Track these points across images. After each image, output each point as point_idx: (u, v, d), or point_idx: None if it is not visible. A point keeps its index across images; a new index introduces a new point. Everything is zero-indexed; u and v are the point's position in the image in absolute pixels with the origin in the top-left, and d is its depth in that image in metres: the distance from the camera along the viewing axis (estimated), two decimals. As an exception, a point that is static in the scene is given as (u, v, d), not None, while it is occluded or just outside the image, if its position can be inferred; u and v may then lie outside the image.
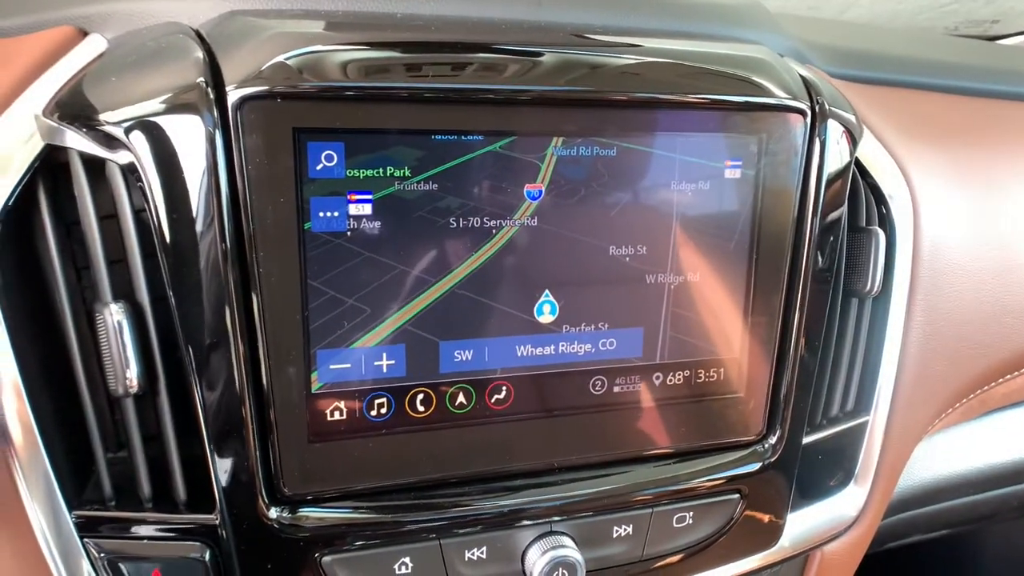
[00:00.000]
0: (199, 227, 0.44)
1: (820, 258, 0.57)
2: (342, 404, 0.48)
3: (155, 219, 0.44)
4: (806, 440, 0.62)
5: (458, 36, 0.49)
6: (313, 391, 0.47)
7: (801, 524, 0.63)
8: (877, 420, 0.66)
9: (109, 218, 0.47)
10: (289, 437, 0.47)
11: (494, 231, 0.49)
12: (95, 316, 0.46)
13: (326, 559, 0.49)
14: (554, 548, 0.52)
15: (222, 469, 0.47)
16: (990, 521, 1.17)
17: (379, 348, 0.48)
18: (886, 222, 0.65)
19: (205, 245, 0.44)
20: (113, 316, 0.46)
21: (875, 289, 0.63)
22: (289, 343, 0.46)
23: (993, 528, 1.30)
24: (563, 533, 0.54)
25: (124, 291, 0.47)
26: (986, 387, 0.77)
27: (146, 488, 0.48)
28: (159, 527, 0.48)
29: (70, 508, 0.47)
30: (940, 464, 0.88)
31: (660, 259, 0.53)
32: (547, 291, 0.51)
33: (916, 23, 1.37)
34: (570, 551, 0.52)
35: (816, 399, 0.64)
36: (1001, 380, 0.78)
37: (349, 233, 0.46)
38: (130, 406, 0.48)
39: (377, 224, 0.46)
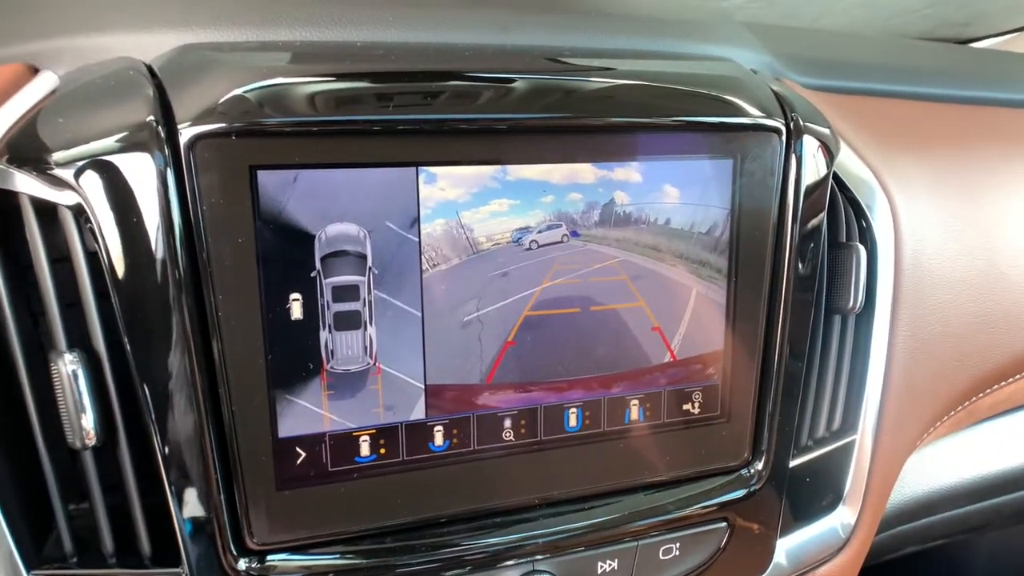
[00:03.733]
0: (152, 271, 0.42)
1: (801, 277, 0.56)
2: (312, 449, 0.46)
3: (107, 263, 0.42)
4: (793, 463, 0.60)
5: (425, 65, 0.47)
6: (279, 437, 0.46)
7: (791, 549, 0.62)
8: (864, 438, 0.64)
9: (63, 261, 0.45)
10: (255, 485, 0.45)
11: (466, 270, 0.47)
12: (50, 365, 0.44)
13: (299, 610, 0.47)
14: None
15: (186, 520, 0.45)
16: (983, 530, 1.17)
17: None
18: (866, 236, 0.64)
19: (160, 289, 0.42)
20: (67, 366, 0.44)
21: (858, 305, 0.62)
22: (252, 388, 0.44)
23: (986, 536, 1.29)
24: (546, 572, 0.52)
25: (80, 337, 0.45)
26: (973, 399, 0.76)
27: (109, 543, 0.46)
28: None
29: (28, 568, 0.45)
30: (931, 477, 0.87)
31: (638, 303, 0.52)
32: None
33: (890, 28, 1.38)
34: (553, 592, 0.51)
35: (802, 420, 0.62)
36: (988, 391, 0.77)
37: (312, 274, 0.44)
38: (89, 458, 0.46)
39: (341, 262, 0.45)
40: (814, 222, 0.56)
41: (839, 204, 0.64)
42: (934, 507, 0.87)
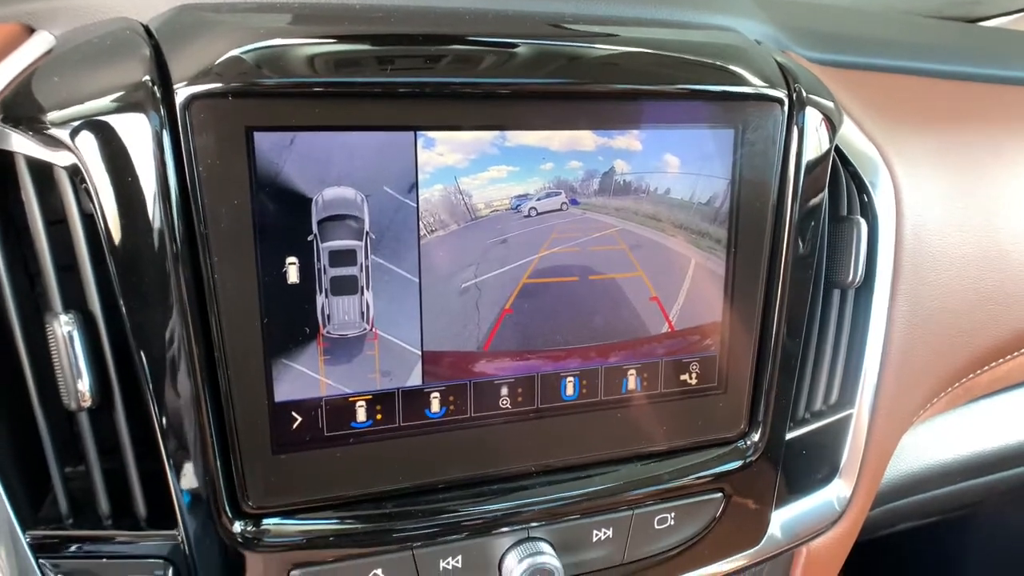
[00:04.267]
0: (148, 233, 0.42)
1: (800, 250, 0.56)
2: (308, 414, 0.46)
3: (102, 225, 0.42)
4: (789, 435, 0.61)
5: (425, 28, 0.47)
6: (276, 401, 0.46)
7: (786, 521, 0.62)
8: (861, 413, 0.64)
9: (60, 223, 0.45)
10: (251, 449, 0.45)
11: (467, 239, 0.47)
12: (45, 327, 0.44)
13: (294, 573, 0.47)
14: (532, 555, 0.51)
15: (182, 483, 0.45)
16: (977, 508, 1.17)
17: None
18: (868, 210, 0.64)
19: (155, 252, 0.42)
20: (63, 327, 0.44)
21: (857, 279, 0.62)
22: (248, 352, 0.44)
23: (980, 513, 1.30)
24: (541, 539, 0.52)
25: (77, 299, 0.45)
26: (971, 375, 0.76)
27: (104, 505, 0.47)
28: (119, 545, 0.46)
29: (24, 528, 0.45)
30: (926, 454, 0.88)
31: (636, 273, 0.52)
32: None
33: (899, 6, 1.36)
34: (548, 558, 0.51)
35: (799, 393, 0.62)
36: (986, 368, 0.77)
37: (309, 238, 0.44)
38: (85, 420, 0.46)
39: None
40: (815, 195, 0.56)
41: (841, 178, 0.63)
42: (928, 483, 0.88)
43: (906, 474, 0.86)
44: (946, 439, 0.89)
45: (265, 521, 0.47)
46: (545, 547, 0.51)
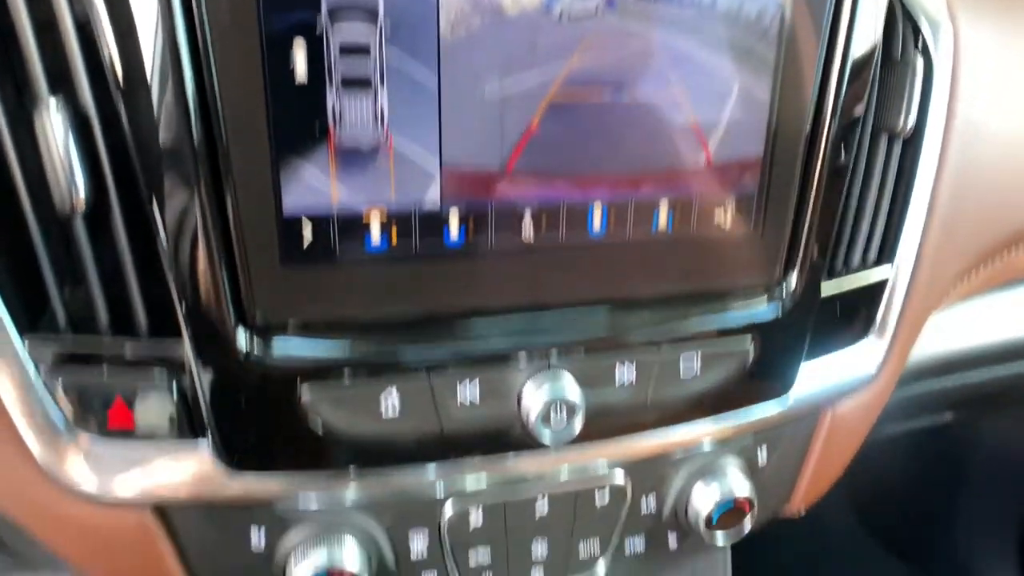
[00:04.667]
0: (145, 17, 0.37)
1: (853, 82, 0.51)
2: (318, 226, 0.43)
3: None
4: (825, 288, 0.57)
5: None
6: (284, 207, 0.42)
7: (815, 377, 0.59)
8: (901, 270, 0.61)
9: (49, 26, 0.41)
10: (258, 258, 0.42)
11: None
12: (34, 121, 0.41)
13: (303, 393, 0.45)
14: (552, 382, 0.48)
15: (184, 292, 0.42)
16: (994, 406, 1.16)
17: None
18: (924, 55, 0.59)
19: (153, 40, 0.38)
20: (51, 114, 0.40)
21: (909, 126, 0.57)
22: (253, 153, 0.41)
23: (989, 419, 1.29)
24: (561, 368, 0.49)
25: (68, 94, 0.41)
26: (1015, 250, 0.72)
27: (103, 315, 0.44)
28: (119, 354, 0.44)
29: (21, 335, 0.43)
30: (954, 338, 0.85)
31: (674, 93, 0.47)
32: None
33: None
34: (569, 388, 0.49)
35: (838, 244, 0.59)
36: (1029, 244, 0.73)
37: (317, 29, 0.40)
38: (80, 226, 0.43)
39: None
40: (872, 21, 0.51)
41: (897, 17, 0.58)
42: (953, 366, 0.85)
43: (931, 355, 0.83)
44: (974, 325, 0.86)
45: (273, 337, 0.44)
46: (567, 377, 0.49)
